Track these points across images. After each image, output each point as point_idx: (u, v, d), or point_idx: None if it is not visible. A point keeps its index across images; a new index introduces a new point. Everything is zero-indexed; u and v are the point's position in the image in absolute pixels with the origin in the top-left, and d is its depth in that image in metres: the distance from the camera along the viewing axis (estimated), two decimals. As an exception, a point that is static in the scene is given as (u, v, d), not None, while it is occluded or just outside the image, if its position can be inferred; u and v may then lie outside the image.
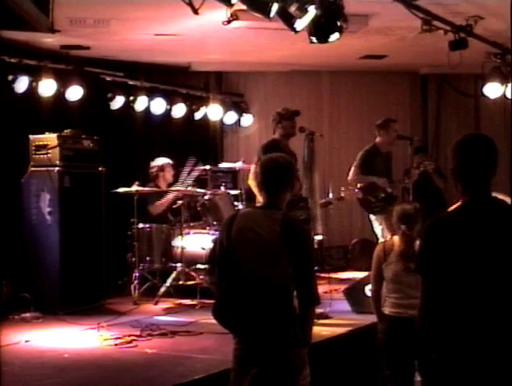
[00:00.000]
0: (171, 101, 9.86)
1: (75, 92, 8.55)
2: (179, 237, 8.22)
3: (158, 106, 9.68)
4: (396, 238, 5.14)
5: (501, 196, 3.26)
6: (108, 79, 9.31)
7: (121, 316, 7.11)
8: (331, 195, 10.31)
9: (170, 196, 8.72)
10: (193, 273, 8.02)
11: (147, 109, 9.60)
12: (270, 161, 3.84)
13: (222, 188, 8.86)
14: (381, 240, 8.21)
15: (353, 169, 8.35)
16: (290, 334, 3.62)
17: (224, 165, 9.50)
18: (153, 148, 9.72)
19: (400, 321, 4.94)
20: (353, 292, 7.17)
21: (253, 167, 7.18)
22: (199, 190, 8.41)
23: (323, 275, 8.28)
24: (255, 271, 3.68)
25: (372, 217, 8.40)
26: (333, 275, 9.05)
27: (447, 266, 2.86)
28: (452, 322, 2.86)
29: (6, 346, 5.77)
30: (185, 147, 10.24)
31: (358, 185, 8.31)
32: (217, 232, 8.07)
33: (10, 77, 7.96)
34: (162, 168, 8.89)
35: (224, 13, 6.03)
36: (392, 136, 8.41)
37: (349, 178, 8.39)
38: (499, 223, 2.89)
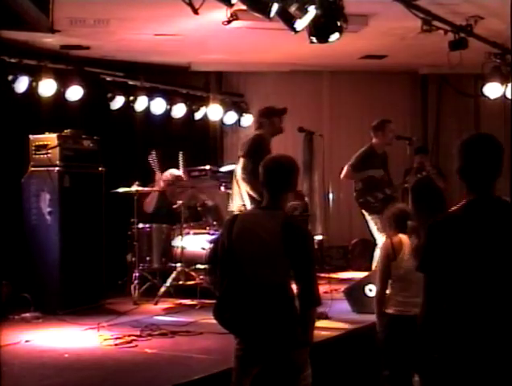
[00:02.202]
0: (171, 101, 9.86)
1: (75, 92, 8.56)
2: (179, 237, 8.22)
3: (158, 106, 9.68)
4: (403, 236, 5.14)
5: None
6: (108, 79, 9.32)
7: (121, 316, 7.11)
8: (331, 195, 10.35)
9: (153, 194, 8.72)
10: (193, 273, 8.02)
11: (147, 109, 9.60)
12: (272, 161, 3.84)
13: (222, 188, 8.86)
14: (378, 240, 8.24)
15: (346, 167, 8.33)
16: (291, 335, 3.62)
17: (224, 168, 9.47)
18: (153, 148, 9.71)
19: (403, 319, 4.94)
20: (353, 292, 7.17)
21: (242, 161, 7.07)
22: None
23: (323, 275, 8.28)
24: (256, 272, 3.68)
25: (368, 218, 8.40)
26: (333, 275, 9.06)
27: (449, 265, 2.86)
28: (454, 321, 2.86)
29: (6, 346, 5.77)
30: (185, 147, 10.24)
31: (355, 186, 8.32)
32: (217, 232, 8.08)
33: (10, 77, 7.96)
34: (167, 178, 8.84)
35: (224, 13, 6.04)
36: (389, 136, 8.40)
37: (342, 175, 8.37)
38: (502, 223, 2.89)
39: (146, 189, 8.38)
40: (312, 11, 5.83)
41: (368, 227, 8.49)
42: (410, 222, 5.07)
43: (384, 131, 8.36)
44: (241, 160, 7.06)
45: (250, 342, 3.71)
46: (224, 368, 4.77)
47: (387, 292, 5.18)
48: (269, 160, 3.86)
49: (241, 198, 7.09)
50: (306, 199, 8.77)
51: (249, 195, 6.95)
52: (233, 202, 7.34)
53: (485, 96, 9.68)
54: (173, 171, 8.91)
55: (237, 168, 7.17)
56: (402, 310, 5.03)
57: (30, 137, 7.64)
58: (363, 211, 8.43)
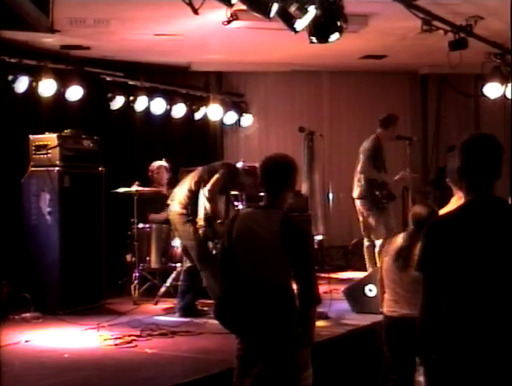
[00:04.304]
0: (171, 101, 9.85)
1: (75, 92, 8.55)
2: (179, 237, 8.21)
3: (158, 106, 9.68)
4: (400, 235, 5.14)
5: None
6: (108, 79, 9.31)
7: (121, 316, 7.11)
8: (331, 195, 10.34)
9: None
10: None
11: (147, 109, 9.59)
12: (270, 161, 3.82)
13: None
14: (378, 239, 8.27)
15: (363, 161, 8.28)
16: (292, 335, 3.61)
17: None
18: (153, 148, 9.73)
19: (394, 321, 4.94)
20: (353, 292, 7.17)
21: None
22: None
23: (323, 275, 8.29)
24: (256, 271, 3.67)
25: (369, 213, 8.37)
26: (333, 275, 9.05)
27: (448, 266, 2.86)
28: (453, 321, 2.86)
29: (6, 346, 5.77)
30: (185, 147, 10.26)
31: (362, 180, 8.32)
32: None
33: (10, 77, 7.96)
34: (153, 170, 8.90)
35: (224, 13, 6.04)
36: (395, 132, 8.44)
37: (360, 170, 8.31)
38: (501, 224, 2.89)
39: (146, 189, 8.37)
40: (312, 11, 5.83)
41: (365, 225, 8.47)
42: (411, 226, 5.06)
43: (395, 125, 8.39)
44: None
45: (251, 341, 3.71)
46: (224, 368, 4.78)
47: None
48: (267, 159, 3.83)
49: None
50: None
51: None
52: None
53: (485, 96, 9.68)
54: (158, 162, 8.95)
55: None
56: (391, 311, 5.02)
57: (30, 137, 7.63)
58: (365, 207, 8.41)
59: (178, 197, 7.26)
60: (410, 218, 5.09)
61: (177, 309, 7.23)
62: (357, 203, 8.54)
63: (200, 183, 7.15)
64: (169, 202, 7.44)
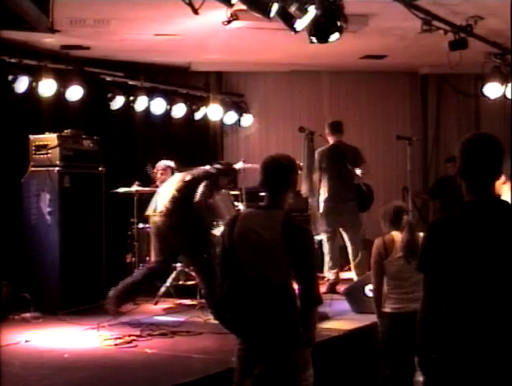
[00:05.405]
0: (171, 101, 9.85)
1: (75, 92, 8.55)
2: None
3: (158, 106, 9.68)
4: (396, 233, 5.12)
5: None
6: (108, 79, 9.31)
7: (121, 316, 7.11)
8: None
9: None
10: (193, 273, 8.01)
11: (147, 109, 9.59)
12: (271, 161, 3.82)
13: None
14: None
15: (366, 164, 8.36)
16: (293, 335, 3.62)
17: None
18: (153, 148, 9.71)
19: (402, 317, 4.92)
20: (353, 292, 7.17)
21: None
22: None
23: (323, 275, 8.29)
24: (257, 272, 3.67)
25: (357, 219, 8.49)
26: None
27: (449, 265, 2.86)
28: (454, 321, 2.86)
29: (6, 346, 5.78)
30: (185, 147, 10.26)
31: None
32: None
33: (10, 77, 7.95)
34: (159, 170, 8.89)
35: (224, 13, 6.05)
36: None
37: (368, 171, 8.42)
38: (502, 224, 2.89)
39: (146, 189, 8.37)
40: (312, 11, 5.83)
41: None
42: (406, 216, 5.08)
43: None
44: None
45: (252, 342, 3.71)
46: (224, 368, 4.78)
47: (384, 290, 5.17)
48: (268, 159, 3.83)
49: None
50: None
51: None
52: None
53: (485, 96, 9.68)
54: (165, 162, 8.94)
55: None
56: (400, 307, 5.01)
57: (30, 137, 7.64)
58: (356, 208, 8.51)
59: (161, 203, 7.19)
60: (397, 213, 5.10)
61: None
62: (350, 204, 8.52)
63: (182, 190, 7.12)
64: (149, 212, 7.37)
